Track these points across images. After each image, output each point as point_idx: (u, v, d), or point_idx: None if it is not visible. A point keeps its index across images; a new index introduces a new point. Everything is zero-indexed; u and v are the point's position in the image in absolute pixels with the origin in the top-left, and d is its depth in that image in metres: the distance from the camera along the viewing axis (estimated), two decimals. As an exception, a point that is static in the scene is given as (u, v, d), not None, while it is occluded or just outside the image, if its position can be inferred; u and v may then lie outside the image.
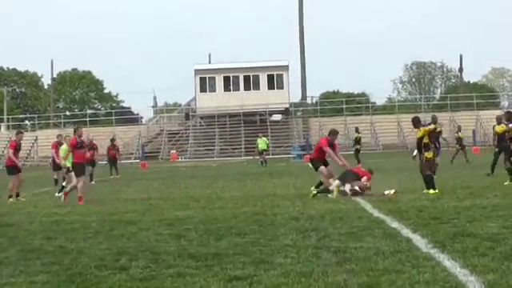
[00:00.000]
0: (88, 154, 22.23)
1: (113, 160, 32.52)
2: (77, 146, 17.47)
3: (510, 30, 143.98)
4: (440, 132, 20.41)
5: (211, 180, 24.88)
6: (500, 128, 19.06)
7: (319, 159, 16.46)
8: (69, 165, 18.93)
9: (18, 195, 18.74)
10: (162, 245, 9.44)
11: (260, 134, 43.38)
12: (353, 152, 34.67)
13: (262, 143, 41.24)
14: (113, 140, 34.85)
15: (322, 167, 16.23)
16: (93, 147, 28.71)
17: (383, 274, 6.91)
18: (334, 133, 17.00)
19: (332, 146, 16.53)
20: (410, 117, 55.49)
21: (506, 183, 16.81)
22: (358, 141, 34.85)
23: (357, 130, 35.71)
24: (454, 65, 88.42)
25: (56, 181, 24.25)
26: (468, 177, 20.21)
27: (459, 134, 32.04)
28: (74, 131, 18.08)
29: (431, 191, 15.08)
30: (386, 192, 15.45)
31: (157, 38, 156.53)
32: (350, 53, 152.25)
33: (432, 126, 15.96)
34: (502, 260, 7.32)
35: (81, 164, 17.43)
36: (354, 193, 15.56)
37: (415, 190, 15.68)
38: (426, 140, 15.58)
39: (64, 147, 19.76)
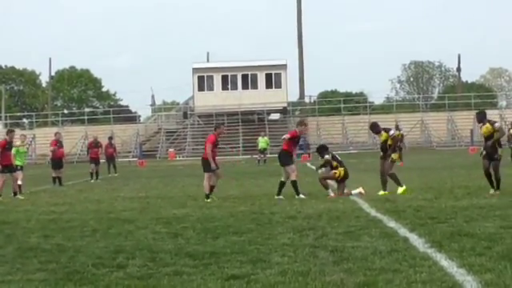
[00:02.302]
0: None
1: (110, 158, 32.66)
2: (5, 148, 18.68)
3: (509, 30, 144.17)
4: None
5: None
6: None
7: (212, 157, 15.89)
8: (19, 163, 20.13)
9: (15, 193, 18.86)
10: (159, 243, 9.45)
11: (262, 133, 43.42)
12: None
13: (262, 142, 41.28)
14: (110, 138, 34.96)
15: (208, 174, 15.84)
16: (97, 145, 28.84)
17: (380, 273, 6.92)
18: (219, 126, 17.52)
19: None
20: (408, 116, 55.68)
21: None
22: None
23: (397, 128, 32.81)
24: (452, 64, 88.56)
25: (54, 179, 24.30)
26: (465, 176, 20.23)
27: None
28: (7, 133, 19.53)
29: (400, 189, 15.36)
30: (354, 191, 15.70)
31: (155, 37, 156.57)
32: (349, 52, 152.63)
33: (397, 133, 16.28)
34: (499, 260, 7.33)
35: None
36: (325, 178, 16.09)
37: (412, 190, 15.69)
38: (390, 142, 15.93)
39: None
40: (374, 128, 16.46)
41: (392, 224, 10.40)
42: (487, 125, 15.01)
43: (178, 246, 9.17)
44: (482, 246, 8.16)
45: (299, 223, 11.00)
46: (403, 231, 9.60)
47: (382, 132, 16.13)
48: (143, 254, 8.57)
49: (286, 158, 15.98)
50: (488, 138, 14.91)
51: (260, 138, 41.85)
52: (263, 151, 40.54)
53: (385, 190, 15.62)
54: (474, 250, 7.98)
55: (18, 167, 19.82)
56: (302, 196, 15.39)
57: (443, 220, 10.63)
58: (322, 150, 16.77)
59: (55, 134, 26.65)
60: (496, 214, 11.07)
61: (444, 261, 7.38)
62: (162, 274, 7.32)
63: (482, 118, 15.26)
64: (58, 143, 25.17)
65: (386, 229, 9.98)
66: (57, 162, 24.68)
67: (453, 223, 10.27)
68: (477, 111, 16.22)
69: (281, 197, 15.45)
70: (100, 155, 28.84)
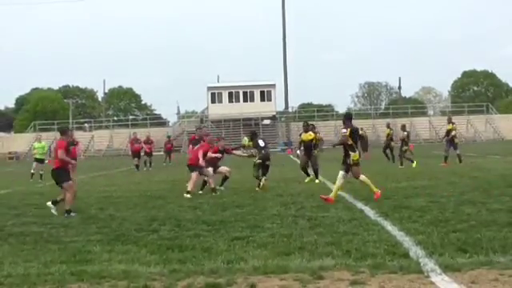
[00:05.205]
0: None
1: (169, 151, 31.97)
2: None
3: (435, 58, 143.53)
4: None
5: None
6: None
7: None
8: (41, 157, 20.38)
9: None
10: (183, 214, 9.43)
11: (242, 135, 43.78)
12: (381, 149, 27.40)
13: (244, 142, 41.62)
14: (169, 137, 34.76)
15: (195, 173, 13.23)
16: (149, 141, 27.44)
17: (343, 235, 6.92)
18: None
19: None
20: (364, 122, 54.74)
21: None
22: (392, 137, 25.97)
23: (388, 126, 26.73)
24: (395, 83, 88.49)
25: (136, 166, 24.65)
26: (404, 166, 20.22)
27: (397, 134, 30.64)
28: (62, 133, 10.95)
29: (317, 180, 14.63)
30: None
31: (180, 62, 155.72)
32: (321, 74, 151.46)
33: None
34: (428, 225, 7.34)
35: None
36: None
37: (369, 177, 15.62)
38: (315, 141, 15.77)
39: (42, 145, 20.79)
40: (306, 128, 15.75)
41: (351, 200, 10.39)
42: (309, 132, 15.35)
43: (197, 216, 9.15)
44: (416, 216, 8.16)
45: (284, 199, 10.98)
46: (360, 205, 9.59)
47: (310, 132, 15.59)
48: (171, 221, 8.56)
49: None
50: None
51: (243, 140, 42.12)
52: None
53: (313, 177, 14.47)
54: (411, 218, 7.98)
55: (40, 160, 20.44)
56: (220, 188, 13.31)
57: (388, 197, 10.59)
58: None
59: (133, 134, 27.04)
60: (426, 192, 11.06)
61: (389, 226, 7.38)
62: (185, 236, 7.30)
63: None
64: (134, 141, 25.69)
65: (347, 203, 9.96)
66: (136, 154, 25.09)
67: (395, 199, 10.26)
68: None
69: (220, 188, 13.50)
70: (153, 150, 27.78)
